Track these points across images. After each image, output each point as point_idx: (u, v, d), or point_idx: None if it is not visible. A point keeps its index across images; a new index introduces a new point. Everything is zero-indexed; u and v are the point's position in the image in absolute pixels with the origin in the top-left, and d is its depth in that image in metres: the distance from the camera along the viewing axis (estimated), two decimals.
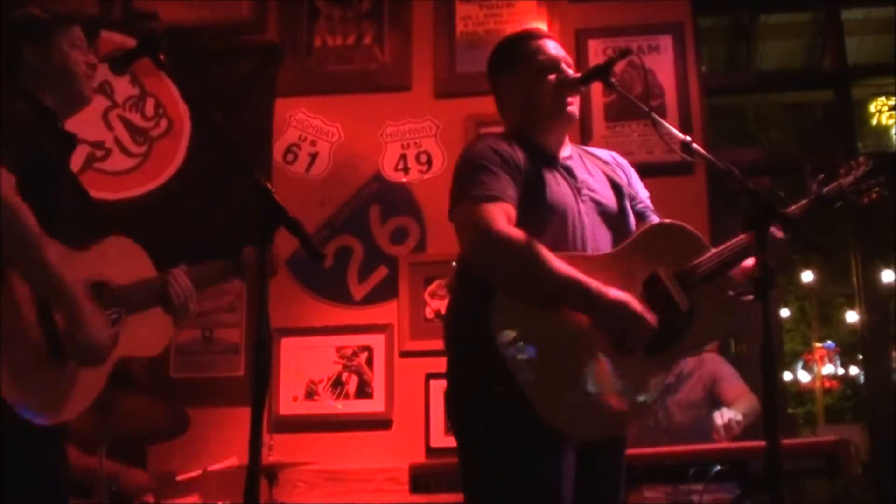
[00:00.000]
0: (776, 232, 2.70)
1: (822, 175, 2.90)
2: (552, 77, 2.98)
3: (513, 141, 2.91)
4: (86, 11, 3.15)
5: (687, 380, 4.75)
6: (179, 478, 4.80)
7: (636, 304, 2.71)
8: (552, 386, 2.67)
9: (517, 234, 2.69)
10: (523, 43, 3.08)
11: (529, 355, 2.67)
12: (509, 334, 2.66)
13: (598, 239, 2.89)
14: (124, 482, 4.38)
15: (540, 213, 2.81)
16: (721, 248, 2.83)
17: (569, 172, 2.96)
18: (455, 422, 2.88)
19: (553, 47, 3.06)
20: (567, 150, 3.05)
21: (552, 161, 2.95)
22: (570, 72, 3.01)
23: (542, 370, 2.66)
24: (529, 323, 2.69)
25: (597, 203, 2.94)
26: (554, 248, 2.72)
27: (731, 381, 4.72)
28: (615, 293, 2.70)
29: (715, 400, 4.69)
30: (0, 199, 2.46)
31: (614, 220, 2.97)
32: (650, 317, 2.71)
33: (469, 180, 2.79)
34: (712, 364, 4.79)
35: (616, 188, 3.04)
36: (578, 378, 2.70)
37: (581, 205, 2.89)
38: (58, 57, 2.90)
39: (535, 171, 2.87)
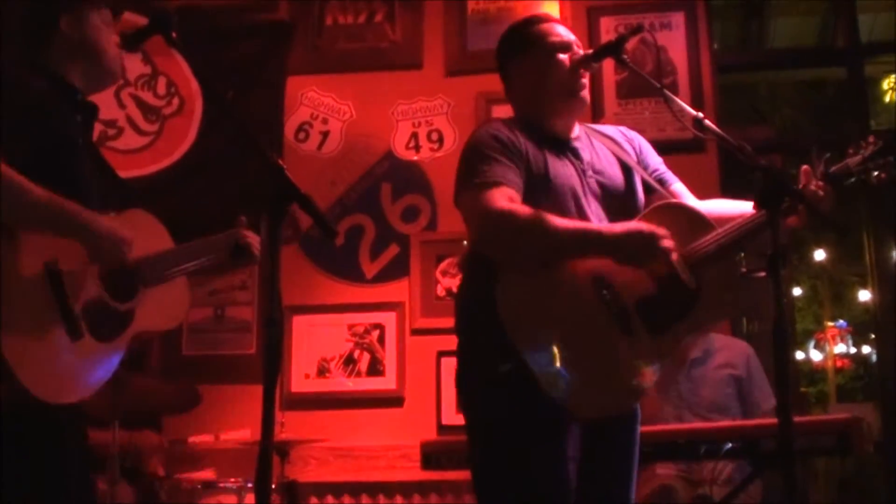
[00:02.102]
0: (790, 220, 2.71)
1: (829, 154, 2.88)
2: (565, 57, 2.97)
3: (515, 126, 2.91)
4: None
5: (714, 356, 4.72)
6: (191, 440, 4.83)
7: (648, 226, 2.71)
8: (558, 362, 2.67)
9: (518, 207, 2.70)
10: (533, 26, 3.07)
11: (534, 333, 2.67)
12: (515, 313, 2.66)
13: (603, 221, 2.88)
14: (137, 444, 4.41)
15: (544, 196, 2.80)
16: (726, 227, 2.81)
17: (575, 154, 2.95)
18: (463, 400, 2.89)
19: (562, 30, 3.05)
20: (575, 131, 3.04)
21: (560, 145, 2.94)
22: (582, 52, 3.01)
23: (547, 348, 2.67)
24: (535, 302, 2.70)
25: (602, 184, 2.93)
26: None
27: (764, 386, 4.68)
28: (623, 224, 2.72)
29: (741, 392, 4.67)
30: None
31: (621, 199, 2.97)
32: (664, 231, 2.71)
33: (471, 169, 2.80)
34: (748, 358, 4.76)
35: (625, 168, 3.03)
36: (583, 356, 2.69)
37: (586, 187, 2.89)
38: (92, 31, 2.90)
39: (539, 155, 2.87)
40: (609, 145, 3.06)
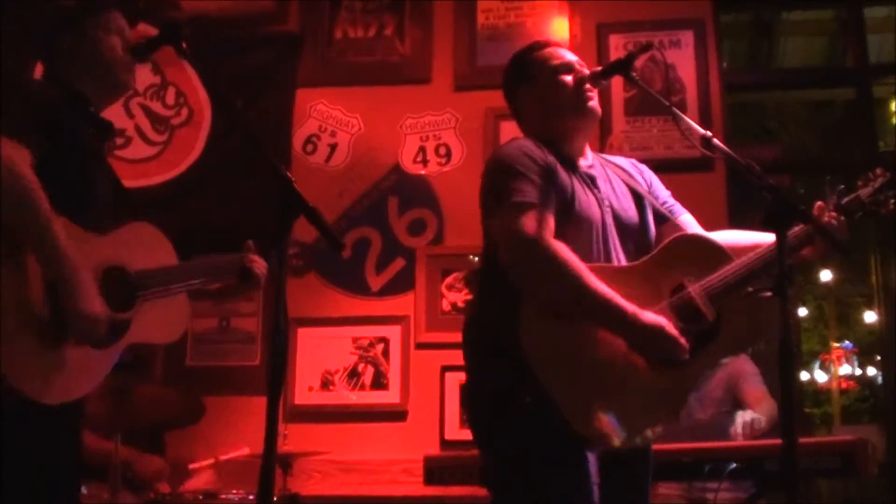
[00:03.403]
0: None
1: (842, 186, 2.87)
2: (568, 78, 2.98)
3: (542, 145, 2.89)
4: None
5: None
6: (192, 466, 4.82)
7: (671, 328, 2.70)
8: (581, 395, 2.66)
9: (558, 246, 2.68)
10: (533, 53, 3.09)
11: (558, 363, 2.66)
12: (538, 340, 2.65)
13: (619, 251, 2.88)
14: (139, 469, 4.40)
15: (567, 223, 2.79)
16: (745, 259, 2.80)
17: (592, 181, 2.95)
18: (481, 433, 2.86)
19: (564, 52, 3.07)
20: (589, 159, 3.04)
21: (575, 169, 2.94)
22: (586, 71, 3.01)
23: (572, 380, 2.66)
24: (559, 331, 2.69)
25: (618, 216, 2.93)
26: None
27: (754, 383, 4.70)
28: (650, 317, 2.69)
29: (735, 399, 4.68)
30: (1, 165, 2.47)
31: (635, 234, 2.97)
32: (683, 341, 2.71)
33: (505, 187, 2.76)
34: (736, 362, 4.77)
35: (637, 199, 3.03)
36: (607, 388, 2.68)
37: (604, 216, 2.89)
38: (89, 45, 2.90)
39: (567, 178, 2.86)
40: (622, 176, 3.07)
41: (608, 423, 2.67)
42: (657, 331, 2.68)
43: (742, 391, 4.70)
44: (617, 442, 2.72)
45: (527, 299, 2.68)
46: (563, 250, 2.67)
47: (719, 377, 4.74)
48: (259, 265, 3.11)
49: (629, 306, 2.68)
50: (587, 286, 2.66)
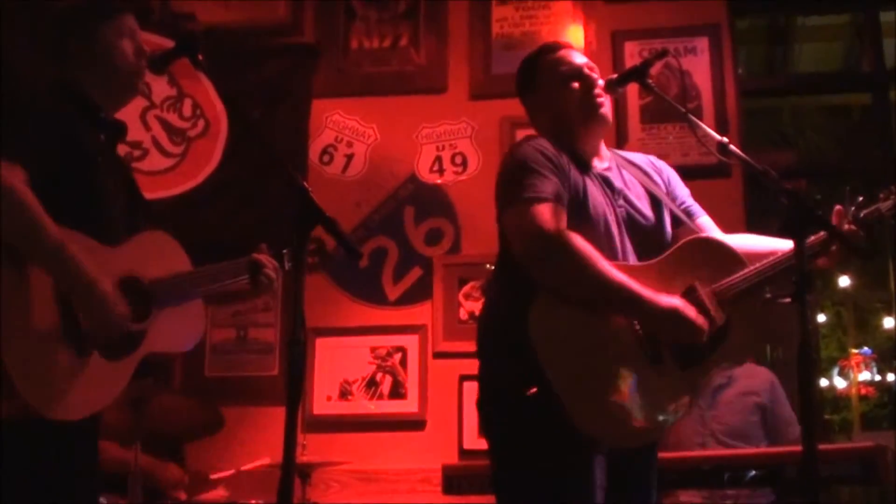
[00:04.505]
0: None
1: (861, 198, 2.86)
2: (576, 84, 2.98)
3: (557, 147, 2.90)
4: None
5: (737, 381, 4.70)
6: (213, 476, 4.83)
7: (689, 311, 2.71)
8: (586, 392, 2.67)
9: (572, 236, 2.69)
10: (542, 58, 3.10)
11: (566, 360, 2.66)
12: (547, 337, 2.65)
13: (628, 252, 2.89)
14: (158, 477, 4.41)
15: (579, 222, 2.79)
16: (759, 265, 2.80)
17: (606, 182, 2.95)
18: (487, 424, 2.87)
19: (574, 55, 3.07)
20: (605, 159, 3.04)
21: (589, 169, 2.94)
22: (595, 76, 3.01)
23: (578, 376, 2.66)
24: (568, 328, 2.70)
25: (631, 215, 2.94)
26: None
27: (787, 413, 4.67)
28: (667, 300, 2.70)
29: (765, 419, 4.65)
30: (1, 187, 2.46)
31: (649, 233, 2.97)
32: (702, 321, 2.71)
33: (519, 183, 2.78)
34: (772, 385, 4.75)
35: (654, 201, 3.03)
36: (613, 387, 2.69)
37: (616, 216, 2.89)
38: (101, 49, 2.89)
39: (579, 177, 2.86)
40: (639, 176, 3.06)
41: (612, 423, 2.67)
42: (674, 313, 2.69)
43: (775, 416, 4.67)
44: (620, 442, 2.72)
45: (538, 295, 2.69)
46: (577, 240, 2.69)
47: (749, 386, 4.70)
48: (269, 263, 3.09)
49: (646, 291, 2.69)
50: (602, 273, 2.67)
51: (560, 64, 3.03)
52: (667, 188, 3.10)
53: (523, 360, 2.64)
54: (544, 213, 2.70)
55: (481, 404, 2.88)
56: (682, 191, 3.13)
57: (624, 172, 3.05)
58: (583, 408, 2.64)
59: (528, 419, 2.70)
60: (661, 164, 3.19)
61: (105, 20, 2.91)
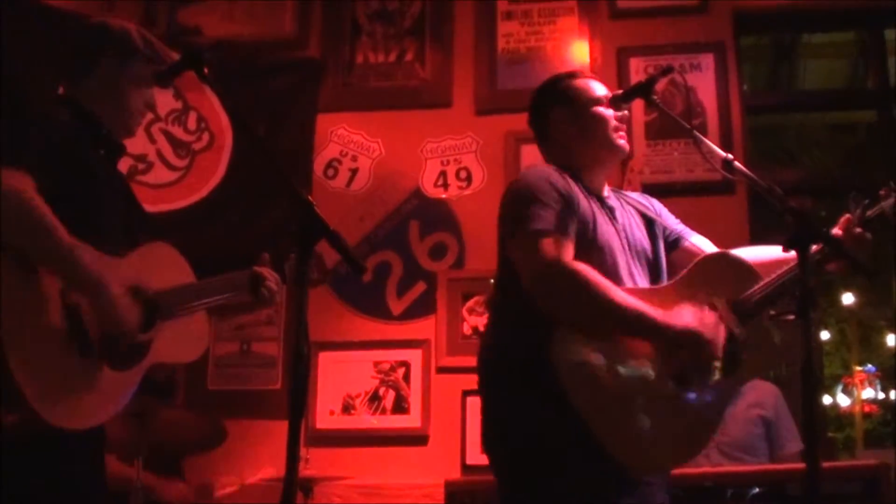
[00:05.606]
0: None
1: (867, 201, 2.87)
2: (609, 112, 3.00)
3: (566, 174, 2.90)
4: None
5: (744, 395, 4.69)
6: (217, 493, 4.82)
7: (706, 330, 2.70)
8: (616, 419, 2.66)
9: (579, 266, 2.68)
10: (571, 79, 3.11)
11: (596, 393, 2.65)
12: (571, 371, 2.64)
13: (637, 277, 2.90)
14: (162, 495, 4.40)
15: (589, 251, 2.79)
16: (774, 276, 2.80)
17: (612, 213, 2.96)
18: (503, 456, 2.83)
19: (600, 86, 3.09)
20: (606, 191, 3.06)
21: (596, 198, 2.95)
22: (615, 112, 3.04)
23: (606, 403, 2.65)
24: (591, 356, 2.68)
25: (634, 247, 2.95)
26: None
27: (790, 428, 4.66)
28: (683, 321, 2.70)
29: (769, 433, 4.64)
30: (11, 194, 2.47)
31: (649, 265, 2.99)
32: (720, 341, 2.71)
33: (523, 214, 2.76)
34: (777, 399, 4.74)
35: (650, 229, 3.05)
36: (640, 411, 2.68)
37: (623, 246, 2.90)
38: (125, 81, 2.94)
39: (588, 207, 2.87)
40: (636, 205, 3.10)
41: (640, 448, 2.66)
42: (691, 334, 2.68)
43: (778, 431, 4.66)
44: (655, 469, 2.72)
45: (555, 329, 2.67)
46: (585, 269, 2.68)
47: (755, 401, 4.69)
48: (270, 276, 3.09)
49: (659, 313, 2.69)
50: (614, 300, 2.66)
51: (591, 89, 3.06)
52: (658, 217, 3.13)
53: (549, 394, 2.63)
54: (548, 244, 2.70)
55: (494, 436, 2.85)
56: (672, 219, 3.17)
57: (623, 204, 3.07)
58: (615, 435, 2.63)
59: (558, 450, 2.68)
60: (653, 199, 3.23)
61: (136, 61, 2.95)
